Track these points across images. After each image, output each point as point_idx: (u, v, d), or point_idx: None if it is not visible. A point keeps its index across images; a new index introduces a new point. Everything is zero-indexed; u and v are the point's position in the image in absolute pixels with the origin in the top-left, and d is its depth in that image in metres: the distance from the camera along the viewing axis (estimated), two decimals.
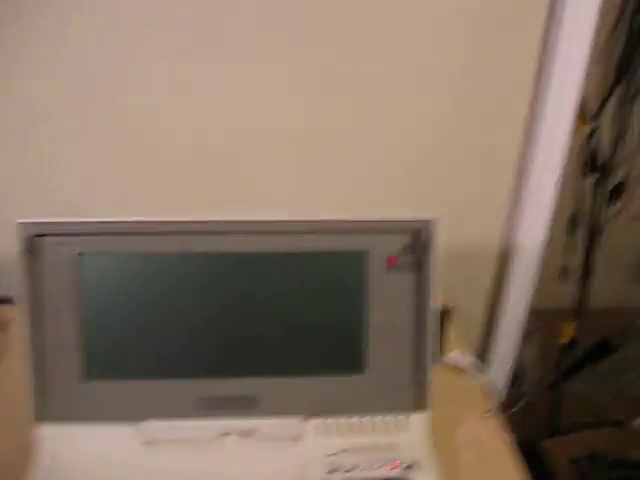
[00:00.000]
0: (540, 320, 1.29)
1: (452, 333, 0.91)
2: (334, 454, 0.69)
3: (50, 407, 0.67)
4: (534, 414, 1.26)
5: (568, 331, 1.32)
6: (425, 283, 0.68)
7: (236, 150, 0.92)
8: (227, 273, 0.67)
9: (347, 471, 0.67)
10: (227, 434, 0.69)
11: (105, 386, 0.68)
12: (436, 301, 0.68)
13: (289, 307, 0.68)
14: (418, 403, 0.70)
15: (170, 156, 0.92)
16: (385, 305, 0.68)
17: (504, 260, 1.06)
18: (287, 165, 0.93)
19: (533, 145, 0.95)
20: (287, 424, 0.69)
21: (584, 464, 1.09)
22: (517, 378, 1.34)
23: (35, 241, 0.64)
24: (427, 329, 0.68)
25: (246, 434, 0.69)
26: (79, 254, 0.66)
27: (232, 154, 0.93)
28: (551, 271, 1.25)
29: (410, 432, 0.71)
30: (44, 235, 0.65)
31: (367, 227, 0.67)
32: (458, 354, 0.88)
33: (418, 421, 0.71)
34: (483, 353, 1.15)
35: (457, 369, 0.87)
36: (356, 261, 0.68)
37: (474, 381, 0.86)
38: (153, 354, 0.68)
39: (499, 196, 1.01)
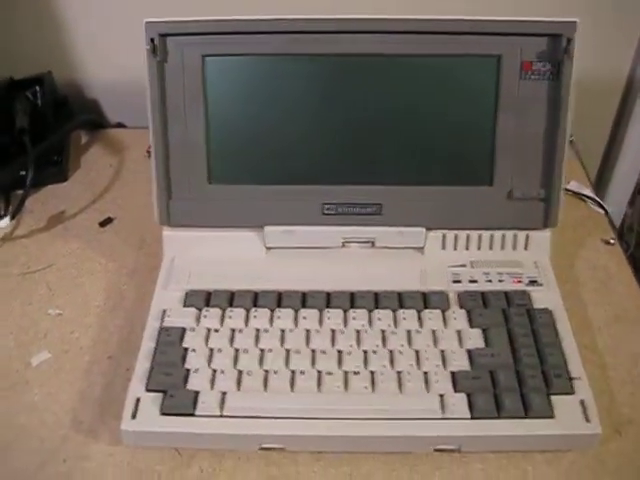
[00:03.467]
0: None
1: (571, 163, 0.87)
2: (457, 266, 0.68)
3: (175, 211, 0.68)
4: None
5: None
6: (561, 94, 0.64)
7: None
8: (354, 75, 0.65)
9: (470, 282, 0.66)
10: (350, 242, 0.69)
11: (230, 190, 0.68)
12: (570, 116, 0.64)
13: (417, 113, 0.66)
14: (546, 220, 0.68)
15: None
16: (517, 115, 0.65)
17: (630, 94, 1.00)
18: None
19: None
20: (411, 234, 0.68)
21: None
22: (621, 235, 1.30)
23: (161, 41, 0.63)
24: (561, 143, 0.65)
25: (369, 242, 0.69)
26: (204, 55, 0.64)
27: None
28: None
29: (534, 250, 0.69)
30: (170, 35, 0.64)
31: (501, 28, 0.63)
32: (577, 185, 0.85)
33: (543, 239, 0.69)
34: (599, 188, 1.11)
35: (575, 198, 0.84)
36: (489, 66, 0.64)
37: (593, 210, 0.82)
38: (279, 158, 0.67)
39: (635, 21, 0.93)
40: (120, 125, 1.01)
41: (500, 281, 0.67)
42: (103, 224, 0.81)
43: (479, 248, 0.69)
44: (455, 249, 0.69)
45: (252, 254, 0.69)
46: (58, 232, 0.81)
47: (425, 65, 0.65)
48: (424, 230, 0.68)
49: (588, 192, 0.84)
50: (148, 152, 0.70)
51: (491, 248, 0.69)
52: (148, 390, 0.58)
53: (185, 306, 0.65)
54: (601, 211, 0.83)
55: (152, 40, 0.63)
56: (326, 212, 0.68)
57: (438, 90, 0.66)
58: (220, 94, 0.66)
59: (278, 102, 0.66)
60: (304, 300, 0.65)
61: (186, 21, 0.63)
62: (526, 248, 0.69)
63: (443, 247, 0.69)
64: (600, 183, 1.10)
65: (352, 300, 0.65)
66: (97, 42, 0.95)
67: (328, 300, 0.65)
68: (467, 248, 0.69)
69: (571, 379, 0.58)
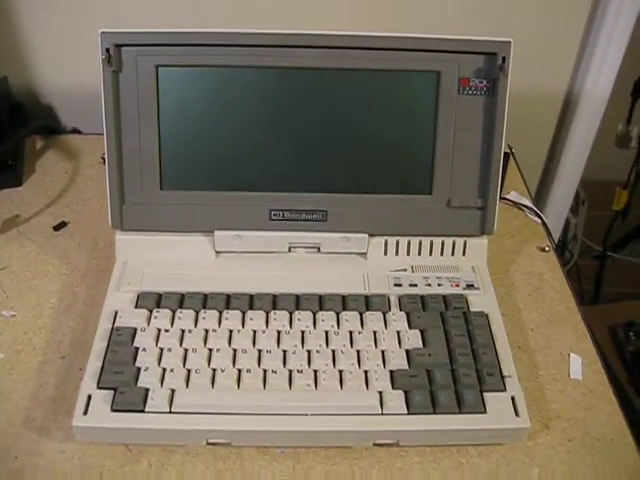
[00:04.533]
0: (594, 191, 1.28)
1: (511, 174, 0.92)
2: (398, 270, 0.71)
3: (128, 215, 0.70)
4: (576, 282, 1.28)
5: (622, 198, 1.31)
6: (496, 109, 0.68)
7: None
8: (302, 88, 0.68)
9: (410, 286, 0.70)
10: (297, 247, 0.72)
11: (181, 196, 0.70)
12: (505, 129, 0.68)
13: (361, 125, 0.69)
14: (482, 227, 0.72)
15: None
16: (455, 128, 0.69)
17: (569, 107, 1.05)
18: None
19: None
20: (354, 240, 0.72)
21: (621, 331, 1.12)
22: (565, 244, 1.35)
23: (116, 51, 0.66)
24: (496, 155, 0.69)
25: (315, 247, 0.72)
26: (158, 65, 0.67)
27: None
28: (609, 139, 1.23)
29: (471, 256, 0.73)
30: (124, 45, 0.66)
31: (441, 46, 0.67)
32: (517, 195, 0.89)
33: (480, 245, 0.73)
34: (539, 199, 1.15)
35: (516, 208, 0.88)
36: (428, 81, 0.68)
37: (531, 220, 0.86)
38: (228, 166, 0.70)
39: (571, 36, 0.98)
40: (76, 131, 1.02)
41: (439, 285, 0.70)
42: (57, 228, 0.82)
43: (419, 254, 0.73)
44: (397, 254, 0.73)
45: (202, 258, 0.72)
46: (12, 236, 0.82)
47: (368, 79, 0.68)
48: (367, 236, 0.72)
49: (526, 202, 0.88)
50: (103, 158, 0.72)
51: (431, 254, 0.73)
52: (99, 388, 0.60)
53: (137, 307, 0.67)
54: (538, 220, 0.87)
55: (107, 50, 0.65)
56: (273, 218, 0.71)
57: (380, 103, 0.69)
58: (173, 104, 0.68)
59: (229, 112, 0.69)
60: (251, 302, 0.68)
61: (141, 32, 0.65)
62: (464, 254, 0.73)
63: (385, 253, 0.73)
64: (541, 193, 1.15)
65: (297, 302, 0.68)
66: (53, 48, 0.97)
67: (274, 302, 0.68)
68: (408, 254, 0.73)
69: (503, 377, 0.62)
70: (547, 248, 0.82)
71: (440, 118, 0.69)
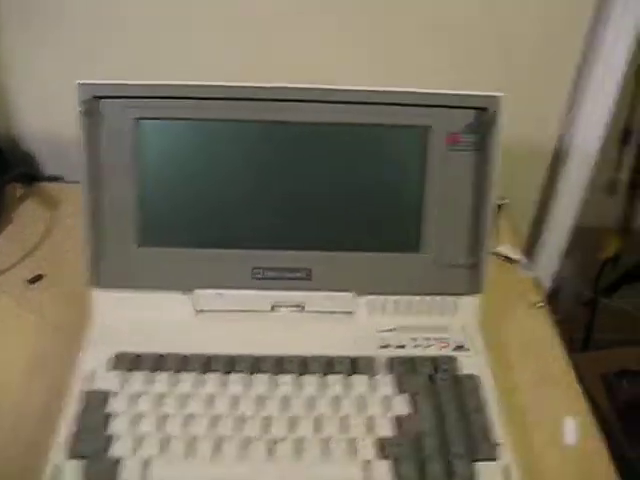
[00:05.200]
0: (584, 237, 1.27)
1: (502, 227, 0.90)
2: (385, 331, 0.69)
3: (105, 272, 0.68)
4: (568, 328, 1.26)
5: (612, 245, 1.30)
6: (487, 165, 0.66)
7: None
8: (287, 143, 0.66)
9: (398, 347, 0.67)
10: (280, 306, 0.70)
11: (160, 253, 0.68)
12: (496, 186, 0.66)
13: (347, 180, 0.67)
14: (472, 286, 0.69)
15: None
16: (445, 184, 0.67)
17: (559, 159, 1.04)
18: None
19: (597, 45, 0.91)
20: (340, 299, 0.69)
21: (613, 379, 1.10)
22: (555, 292, 1.34)
23: (94, 103, 0.64)
24: (486, 212, 0.67)
25: (299, 307, 0.70)
26: (138, 118, 0.65)
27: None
28: (598, 186, 1.22)
29: (461, 315, 0.71)
30: (103, 97, 0.64)
31: (430, 100, 0.65)
32: (508, 248, 0.87)
33: (470, 304, 0.70)
34: (530, 250, 1.13)
35: (506, 262, 0.86)
36: (417, 136, 0.66)
37: (522, 275, 0.84)
38: (210, 222, 0.68)
39: (560, 88, 0.97)
40: (56, 178, 0.99)
41: (427, 346, 0.68)
42: (33, 281, 0.79)
43: (407, 313, 0.70)
44: (384, 314, 0.70)
45: (182, 316, 0.69)
46: None
47: (354, 133, 0.67)
48: (353, 295, 0.69)
49: (517, 256, 0.86)
50: None
51: (419, 313, 0.70)
52: (70, 457, 0.57)
53: (111, 369, 0.64)
54: (530, 274, 0.85)
55: (85, 102, 0.63)
56: (256, 276, 0.68)
57: (367, 158, 0.67)
58: (153, 157, 0.66)
59: (210, 167, 0.67)
60: (232, 364, 0.65)
61: (121, 84, 0.64)
62: (454, 313, 0.70)
63: (372, 312, 0.70)
64: (532, 244, 1.13)
65: (280, 364, 0.65)
66: (33, 93, 0.95)
67: (256, 364, 0.65)
68: (395, 313, 0.70)
69: (495, 444, 0.59)
70: (540, 304, 0.79)
71: (428, 174, 0.67)
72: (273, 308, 0.70)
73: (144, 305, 0.69)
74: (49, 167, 1.02)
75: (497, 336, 0.75)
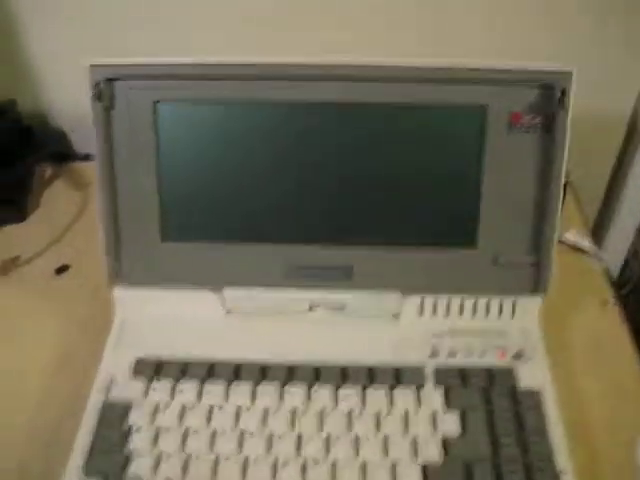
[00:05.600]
0: None
1: (570, 210, 0.81)
2: (435, 336, 0.62)
3: (126, 269, 0.63)
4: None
5: None
6: (554, 149, 0.58)
7: None
8: (324, 126, 0.59)
9: (449, 356, 0.60)
10: (317, 307, 0.64)
11: (185, 248, 0.62)
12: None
13: (393, 168, 0.60)
14: (535, 286, 0.61)
15: None
16: (505, 172, 0.59)
17: (632, 136, 0.93)
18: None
19: None
20: (384, 299, 0.62)
21: None
22: (626, 264, 1.24)
23: (107, 86, 0.57)
24: (553, 203, 0.59)
25: (338, 308, 0.63)
26: (156, 101, 0.58)
27: None
28: None
29: (522, 318, 0.63)
30: (117, 79, 0.58)
31: (488, 77, 0.57)
32: (575, 234, 0.78)
33: (532, 306, 0.63)
34: (599, 233, 1.04)
35: (573, 251, 0.77)
36: (473, 117, 0.58)
37: (591, 265, 0.75)
38: (239, 214, 0.62)
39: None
40: (88, 157, 0.94)
41: (482, 354, 0.61)
42: (59, 271, 0.74)
43: (461, 315, 0.63)
44: (433, 317, 0.63)
45: (210, 316, 0.64)
46: (9, 280, 0.75)
47: (402, 115, 0.59)
48: (400, 295, 0.62)
49: (586, 244, 0.77)
50: None
51: (474, 315, 0.63)
52: (86, 474, 0.53)
53: (132, 376, 0.60)
54: (600, 266, 0.76)
55: (97, 84, 0.57)
56: (291, 274, 0.62)
57: (417, 143, 0.60)
58: (174, 144, 0.60)
59: (237, 153, 0.60)
60: (264, 373, 0.59)
61: (136, 64, 0.57)
62: (513, 315, 0.63)
63: (420, 314, 0.63)
64: (600, 227, 1.04)
65: (316, 374, 0.59)
66: (64, 70, 0.89)
67: (290, 373, 0.59)
68: (447, 315, 0.63)
69: (557, 473, 0.52)
70: (611, 301, 0.70)
71: (487, 160, 0.59)
72: (310, 309, 0.64)
73: (169, 304, 0.63)
74: (81, 145, 0.96)
75: (560, 340, 0.67)
